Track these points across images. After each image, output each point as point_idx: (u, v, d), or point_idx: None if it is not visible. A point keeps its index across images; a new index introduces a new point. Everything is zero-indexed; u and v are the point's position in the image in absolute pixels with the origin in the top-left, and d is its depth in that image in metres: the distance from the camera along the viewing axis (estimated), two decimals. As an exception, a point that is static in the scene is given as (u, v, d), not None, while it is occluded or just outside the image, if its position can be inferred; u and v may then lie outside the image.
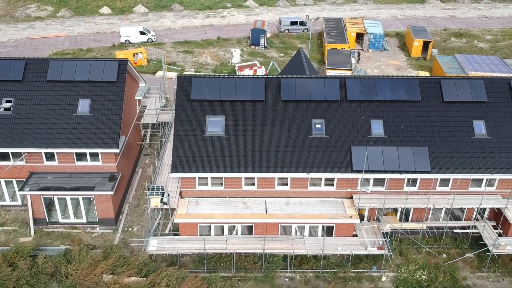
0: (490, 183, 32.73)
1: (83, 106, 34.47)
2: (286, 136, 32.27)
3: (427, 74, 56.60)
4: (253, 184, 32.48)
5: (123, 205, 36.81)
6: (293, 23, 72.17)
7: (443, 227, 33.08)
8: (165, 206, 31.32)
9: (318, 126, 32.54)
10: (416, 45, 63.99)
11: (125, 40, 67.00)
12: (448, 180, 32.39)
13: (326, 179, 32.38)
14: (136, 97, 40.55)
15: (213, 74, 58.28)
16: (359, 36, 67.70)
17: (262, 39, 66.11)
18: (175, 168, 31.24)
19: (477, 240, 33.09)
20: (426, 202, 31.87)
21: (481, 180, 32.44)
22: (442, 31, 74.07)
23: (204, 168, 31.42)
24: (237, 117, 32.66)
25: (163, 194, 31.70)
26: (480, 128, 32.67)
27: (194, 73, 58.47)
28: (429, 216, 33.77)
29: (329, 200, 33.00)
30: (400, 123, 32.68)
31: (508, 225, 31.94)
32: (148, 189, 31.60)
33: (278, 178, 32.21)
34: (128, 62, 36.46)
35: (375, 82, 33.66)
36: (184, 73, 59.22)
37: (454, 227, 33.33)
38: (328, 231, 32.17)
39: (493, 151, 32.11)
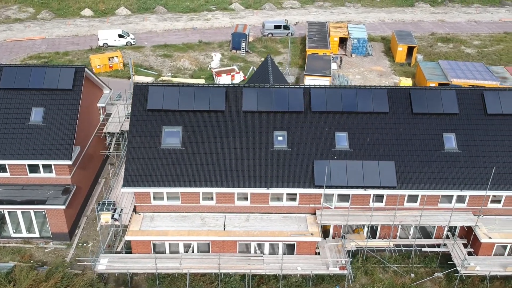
0: (461, 199, 31.16)
1: (36, 115, 32.85)
2: (246, 148, 30.67)
3: (409, 80, 55.03)
4: (212, 199, 30.90)
5: (80, 219, 35.23)
6: (277, 27, 70.59)
7: (412, 245, 31.48)
8: (116, 223, 29.74)
9: (280, 138, 30.94)
10: (400, 51, 62.41)
11: (103, 43, 65.42)
12: (417, 196, 30.84)
13: (288, 194, 30.82)
14: (99, 105, 38.97)
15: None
16: (343, 41, 66.14)
17: (243, 43, 64.56)
18: (127, 182, 29.61)
19: (448, 259, 31.51)
20: (393, 219, 30.30)
21: (451, 196, 30.88)
22: (429, 36, 72.51)
23: (158, 182, 29.79)
24: (195, 128, 31.06)
25: (114, 209, 30.11)
26: (450, 141, 31.07)
27: (169, 78, 56.96)
28: (398, 233, 32.19)
29: (291, 216, 31.38)
30: (366, 136, 31.09)
31: (479, 244, 30.34)
32: (98, 204, 30.01)
33: (238, 193, 30.66)
34: (86, 69, 34.93)
35: (341, 92, 32.08)
36: (161, 78, 57.68)
37: (423, 245, 31.75)
38: (290, 249, 30.59)
39: (464, 166, 30.49)
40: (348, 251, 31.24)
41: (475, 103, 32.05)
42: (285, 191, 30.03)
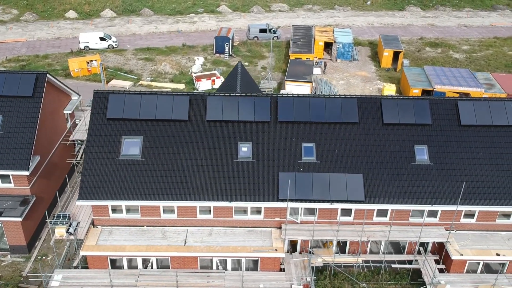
0: (432, 214, 29.92)
1: (-6, 123, 31.73)
2: (209, 160, 29.45)
3: (393, 87, 53.79)
4: (173, 212, 29.67)
5: (41, 230, 34.01)
6: (263, 31, 69.40)
7: (381, 260, 30.25)
8: (71, 237, 28.52)
9: (244, 149, 29.72)
10: (386, 55, 61.19)
11: (84, 46, 64.22)
12: (387, 210, 29.62)
13: (253, 208, 29.60)
14: (66, 111, 37.76)
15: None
16: (329, 46, 64.93)
17: (227, 47, 63.35)
18: (83, 194, 28.37)
19: (420, 275, 30.25)
20: (361, 234, 29.07)
21: (423, 210, 29.65)
22: (417, 40, 71.31)
23: (116, 195, 28.54)
24: (156, 138, 29.84)
25: (70, 223, 28.90)
26: (422, 153, 29.84)
27: (148, 83, 55.75)
28: (368, 249, 30.94)
29: (257, 230, 30.15)
30: (334, 147, 29.86)
31: (451, 261, 29.10)
32: (53, 218, 28.79)
33: (200, 206, 29.44)
34: (49, 76, 33.72)
35: (310, 101, 30.87)
36: (140, 82, 56.48)
37: (393, 261, 30.52)
38: (254, 264, 29.36)
39: (435, 179, 29.26)
40: (315, 267, 30.04)
41: (449, 114, 30.82)
42: (248, 204, 28.79)
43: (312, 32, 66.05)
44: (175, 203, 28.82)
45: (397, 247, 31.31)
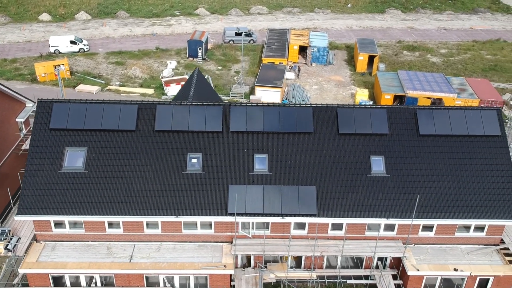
0: (390, 227, 28.85)
1: None
2: (156, 172, 28.20)
3: (366, 92, 52.80)
4: (119, 227, 28.39)
5: (-12, 244, 32.61)
6: (238, 34, 68.26)
7: (336, 276, 29.14)
8: (9, 254, 27.18)
9: (194, 161, 28.50)
10: (361, 60, 60.20)
11: (55, 50, 62.77)
12: (341, 224, 28.51)
13: (203, 222, 28.39)
14: (18, 120, 36.34)
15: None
16: (304, 49, 63.86)
17: (200, 51, 62.15)
18: (22, 209, 26.99)
19: (378, 290, 29.23)
20: (313, 249, 27.94)
21: (379, 224, 28.58)
22: (396, 44, 70.46)
23: (58, 209, 27.19)
24: (102, 150, 28.55)
25: (10, 239, 27.56)
26: (378, 164, 28.76)
27: (116, 88, 54.38)
28: (324, 263, 29.80)
29: (207, 244, 28.93)
30: (288, 158, 28.72)
31: (407, 276, 28.03)
32: (-10, 234, 27.49)
33: (147, 221, 28.20)
34: (-4, 83, 32.39)
35: (263, 110, 29.71)
36: (108, 87, 55.11)
37: (349, 277, 29.42)
38: (203, 281, 28.14)
39: (391, 191, 28.19)
40: (270, 283, 28.90)
41: (407, 123, 29.76)
42: (196, 219, 27.58)
43: (288, 36, 64.98)
44: (120, 218, 27.53)
45: (356, 262, 30.22)
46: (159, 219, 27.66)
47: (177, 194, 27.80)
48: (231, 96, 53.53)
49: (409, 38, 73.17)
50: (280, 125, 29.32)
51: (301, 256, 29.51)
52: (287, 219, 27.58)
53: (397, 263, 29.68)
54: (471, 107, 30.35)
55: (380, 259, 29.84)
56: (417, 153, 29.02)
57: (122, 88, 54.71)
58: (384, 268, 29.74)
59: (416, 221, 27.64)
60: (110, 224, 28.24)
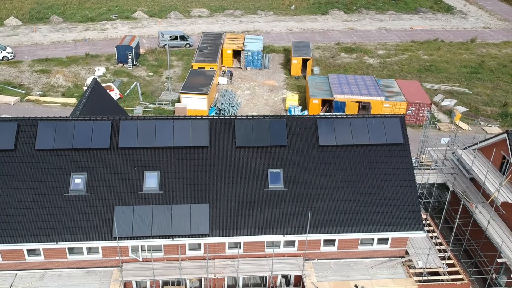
0: (290, 243, 27.58)
1: None
2: (36, 195, 26.03)
3: (296, 96, 51.70)
4: (-3, 255, 26.18)
5: None
6: (173, 38, 66.22)
7: (236, 297, 27.73)
8: None
9: (77, 181, 26.45)
10: (295, 63, 59.14)
11: (-25, 59, 59.39)
12: (238, 242, 27.04)
13: (89, 247, 26.42)
14: None
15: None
16: (239, 54, 62.38)
17: (130, 56, 59.82)
18: None
19: (284, 309, 27.92)
20: (208, 270, 26.35)
21: (277, 241, 27.26)
22: (334, 46, 69.85)
23: None
24: (-25, 172, 26.27)
25: None
26: (276, 178, 27.39)
27: (36, 98, 51.49)
28: (225, 284, 28.26)
29: (96, 270, 26.94)
30: (181, 174, 27.06)
31: (308, 295, 26.85)
32: None
33: (27, 249, 26.02)
34: None
35: (156, 123, 27.94)
36: (28, 97, 52.19)
37: (250, 297, 28.07)
38: (90, 311, 26.22)
39: (289, 206, 26.88)
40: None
41: (308, 134, 28.50)
42: (78, 245, 25.58)
43: (222, 40, 63.36)
44: (-4, 246, 25.33)
45: (260, 281, 28.83)
46: (39, 246, 25.53)
47: (58, 218, 25.70)
48: (158, 104, 51.55)
49: (349, 39, 72.74)
50: (174, 139, 27.62)
51: (201, 279, 27.94)
52: (177, 241, 25.90)
53: (299, 281, 28.43)
54: (374, 114, 29.37)
55: (284, 276, 28.54)
56: (316, 164, 27.81)
57: (42, 98, 51.89)
58: (287, 286, 28.45)
59: (313, 236, 26.41)
60: (-14, 253, 25.99)
